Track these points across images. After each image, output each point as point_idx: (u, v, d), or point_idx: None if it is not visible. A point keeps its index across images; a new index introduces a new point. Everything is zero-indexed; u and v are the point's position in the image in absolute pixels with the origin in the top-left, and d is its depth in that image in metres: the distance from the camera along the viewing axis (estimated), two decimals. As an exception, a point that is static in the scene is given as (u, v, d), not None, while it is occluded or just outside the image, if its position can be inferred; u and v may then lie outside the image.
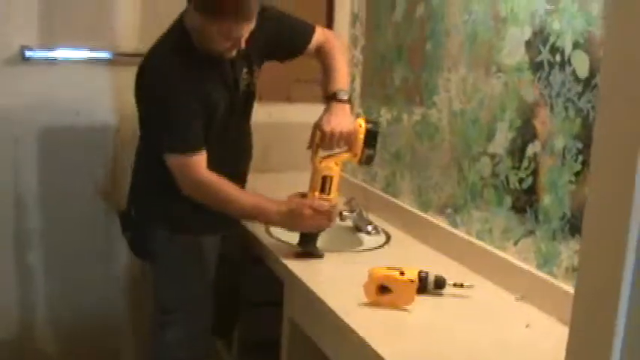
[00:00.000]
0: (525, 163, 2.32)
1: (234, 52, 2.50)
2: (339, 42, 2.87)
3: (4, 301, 3.31)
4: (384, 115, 3.22)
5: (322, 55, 2.77)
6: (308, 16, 3.42)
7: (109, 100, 3.27)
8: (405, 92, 3.07)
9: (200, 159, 2.52)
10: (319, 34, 2.80)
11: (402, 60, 3.08)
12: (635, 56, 0.94)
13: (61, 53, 3.15)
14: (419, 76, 2.95)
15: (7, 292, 3.31)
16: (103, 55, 3.22)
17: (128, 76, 3.16)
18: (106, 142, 3.31)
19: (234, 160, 2.74)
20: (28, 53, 3.07)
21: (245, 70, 2.68)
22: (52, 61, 3.14)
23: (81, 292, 3.41)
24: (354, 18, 3.52)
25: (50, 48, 3.13)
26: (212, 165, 2.54)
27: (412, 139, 3.00)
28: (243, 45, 2.46)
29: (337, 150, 2.60)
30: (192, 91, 2.48)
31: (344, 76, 2.72)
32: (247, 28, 2.43)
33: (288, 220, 2.57)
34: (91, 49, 3.20)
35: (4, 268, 3.28)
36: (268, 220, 2.66)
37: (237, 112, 2.70)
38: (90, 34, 3.19)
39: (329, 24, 3.54)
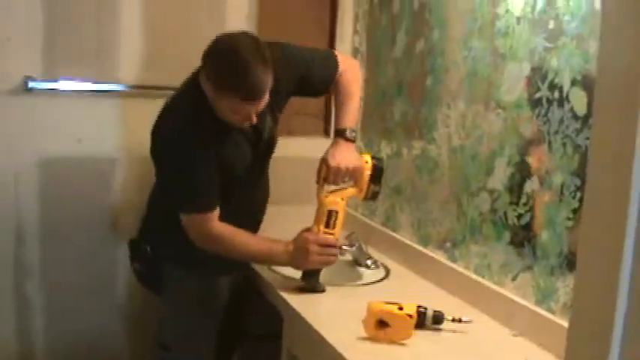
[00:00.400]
0: (524, 199, 2.33)
1: (246, 125, 2.47)
2: (356, 69, 2.83)
3: (3, 332, 3.31)
4: (384, 149, 3.24)
5: (339, 86, 2.73)
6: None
7: (111, 131, 3.29)
8: (405, 127, 3.09)
9: (213, 215, 2.52)
10: (341, 64, 2.78)
11: (402, 95, 3.10)
12: (624, 107, 0.96)
13: (63, 84, 3.17)
14: (419, 111, 2.97)
15: (6, 323, 3.30)
16: (106, 86, 3.24)
17: (130, 106, 3.21)
18: (108, 172, 3.32)
19: (251, 205, 2.74)
20: (31, 84, 3.09)
21: (269, 118, 2.65)
22: (55, 92, 3.16)
23: (80, 323, 3.40)
24: (355, 52, 3.55)
25: (53, 79, 3.15)
26: (228, 212, 2.54)
27: (412, 173, 3.02)
28: (255, 120, 2.44)
29: (343, 185, 2.62)
30: (207, 158, 2.46)
31: (354, 112, 2.71)
32: (260, 105, 2.38)
33: (296, 258, 2.57)
34: (94, 81, 3.22)
35: (4, 297, 3.28)
36: (278, 262, 2.67)
37: (258, 161, 2.70)
38: (93, 66, 3.22)
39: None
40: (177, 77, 3.16)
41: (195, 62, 3.19)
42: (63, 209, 3.27)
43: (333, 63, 2.75)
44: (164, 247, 2.70)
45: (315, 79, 2.70)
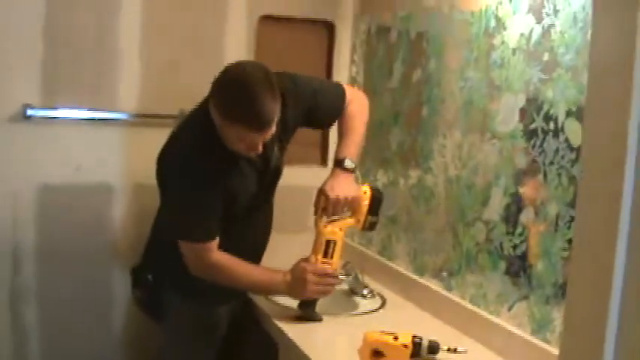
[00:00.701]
0: (519, 230, 2.34)
1: (253, 154, 2.46)
2: (363, 103, 2.81)
3: (0, 356, 3.29)
4: (381, 178, 3.25)
5: (342, 118, 2.73)
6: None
7: (109, 159, 3.29)
8: (402, 156, 3.11)
9: (211, 245, 2.51)
10: (348, 97, 2.77)
11: (398, 124, 3.12)
12: (612, 152, 0.97)
13: (62, 112, 3.17)
14: (415, 141, 2.99)
15: (3, 347, 3.29)
16: (104, 114, 3.25)
17: (129, 135, 3.22)
18: (106, 200, 3.33)
19: (252, 235, 2.74)
20: (29, 111, 3.10)
21: (276, 148, 2.65)
22: (54, 120, 3.17)
23: (77, 350, 3.38)
24: (353, 82, 3.57)
25: (52, 107, 3.16)
26: (229, 242, 2.54)
27: (408, 202, 3.03)
28: (261, 150, 2.44)
29: (341, 215, 2.62)
30: (212, 187, 2.45)
31: (355, 144, 2.69)
32: (267, 135, 2.38)
33: (294, 288, 2.57)
34: (93, 109, 3.23)
35: (0, 321, 3.27)
36: (276, 292, 2.67)
37: (263, 192, 2.70)
38: (92, 94, 3.23)
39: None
40: (176, 106, 3.20)
41: (195, 91, 3.21)
42: (60, 236, 3.27)
43: (341, 95, 2.75)
44: (165, 275, 2.70)
45: (322, 110, 2.70)
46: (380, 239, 3.25)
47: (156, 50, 3.27)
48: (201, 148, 2.45)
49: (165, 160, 2.54)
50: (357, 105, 2.77)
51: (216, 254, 2.51)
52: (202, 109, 2.50)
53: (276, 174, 2.73)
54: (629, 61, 0.97)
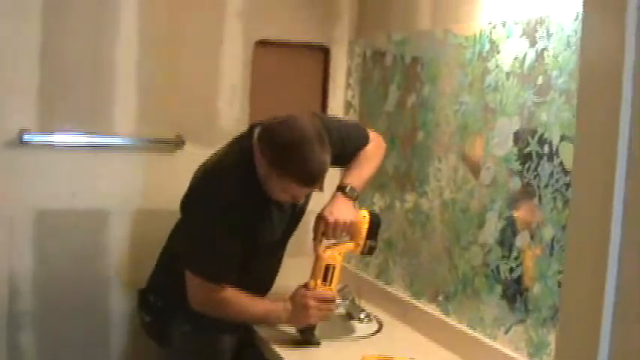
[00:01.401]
0: (515, 253, 2.35)
1: (289, 201, 2.50)
2: (381, 147, 2.81)
3: (-4, 385, 3.28)
4: (377, 202, 3.25)
5: (358, 154, 2.74)
6: (303, 102, 3.51)
7: (106, 184, 3.29)
8: (398, 180, 3.11)
9: (221, 287, 2.51)
10: (370, 139, 2.77)
11: (394, 148, 3.12)
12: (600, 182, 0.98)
13: (59, 138, 3.18)
14: (411, 165, 2.99)
15: (-2, 376, 3.28)
16: (101, 139, 3.25)
17: (125, 160, 3.22)
18: (102, 226, 3.32)
19: (267, 268, 2.75)
20: (26, 137, 3.10)
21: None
22: (50, 145, 3.17)
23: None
24: (348, 106, 3.58)
25: (48, 132, 3.16)
26: (244, 274, 2.53)
27: (404, 226, 3.03)
28: (301, 201, 2.47)
29: (340, 240, 2.62)
30: (241, 233, 2.45)
31: (360, 175, 2.68)
32: (311, 191, 2.43)
33: (296, 316, 2.56)
34: (89, 134, 3.23)
35: (-4, 350, 3.26)
36: (278, 322, 2.66)
37: (285, 234, 2.72)
38: (88, 119, 3.23)
39: (323, 111, 3.60)
40: (173, 130, 3.22)
41: (191, 116, 3.24)
42: (57, 262, 3.26)
43: (364, 141, 2.75)
44: (170, 299, 2.69)
45: (346, 156, 2.69)
46: (377, 263, 3.25)
47: (152, 75, 3.28)
48: (240, 193, 2.44)
49: (201, 193, 2.52)
50: (375, 147, 2.77)
51: (223, 292, 2.51)
52: (245, 148, 2.49)
53: (300, 217, 2.74)
54: (617, 85, 0.98)
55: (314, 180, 2.34)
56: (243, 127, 3.25)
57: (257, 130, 2.47)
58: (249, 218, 2.46)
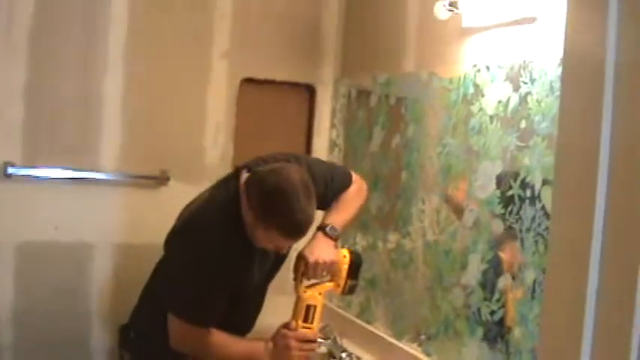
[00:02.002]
0: (497, 295, 2.36)
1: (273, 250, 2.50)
2: (363, 189, 2.78)
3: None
4: (360, 242, 3.26)
5: (340, 195, 2.73)
6: (287, 141, 3.53)
7: (89, 218, 3.28)
8: (381, 220, 3.13)
9: (205, 331, 2.49)
10: (353, 181, 2.76)
11: (378, 188, 3.14)
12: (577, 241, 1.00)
13: (43, 171, 3.17)
14: (394, 205, 3.01)
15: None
16: (85, 174, 3.25)
17: (109, 195, 3.22)
18: (84, 260, 3.31)
19: (249, 309, 2.74)
20: (10, 170, 3.09)
21: None
22: (34, 179, 3.17)
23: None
24: (333, 145, 3.60)
25: (33, 165, 3.16)
26: (226, 315, 2.52)
27: (387, 266, 3.04)
28: (285, 251, 2.48)
29: (321, 280, 2.62)
30: (222, 278, 2.44)
31: (341, 216, 2.67)
32: (296, 242, 2.43)
33: (277, 356, 2.54)
34: (73, 169, 3.23)
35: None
36: None
37: (270, 277, 2.72)
38: (72, 153, 3.23)
39: (308, 150, 3.61)
40: (157, 167, 3.22)
41: (175, 152, 3.25)
42: (39, 296, 3.24)
43: (347, 183, 2.75)
44: (153, 338, 2.67)
45: (328, 197, 2.69)
46: (359, 302, 3.25)
47: (138, 111, 3.29)
48: (225, 239, 2.42)
49: (187, 236, 2.51)
50: (357, 189, 2.76)
51: (205, 333, 2.50)
52: (231, 192, 2.48)
53: (283, 261, 2.74)
54: (595, 138, 1.00)
55: (300, 232, 2.35)
56: (227, 165, 3.28)
57: (243, 175, 2.48)
58: (232, 264, 2.45)
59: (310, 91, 3.66)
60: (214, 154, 3.41)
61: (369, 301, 3.18)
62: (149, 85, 3.31)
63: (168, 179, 3.30)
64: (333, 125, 3.63)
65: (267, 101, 3.58)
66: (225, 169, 3.18)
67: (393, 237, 3.01)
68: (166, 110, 3.35)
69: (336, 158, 3.54)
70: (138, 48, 3.27)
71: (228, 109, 3.45)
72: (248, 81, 3.48)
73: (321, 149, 3.63)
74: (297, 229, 2.34)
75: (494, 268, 2.37)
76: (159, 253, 2.68)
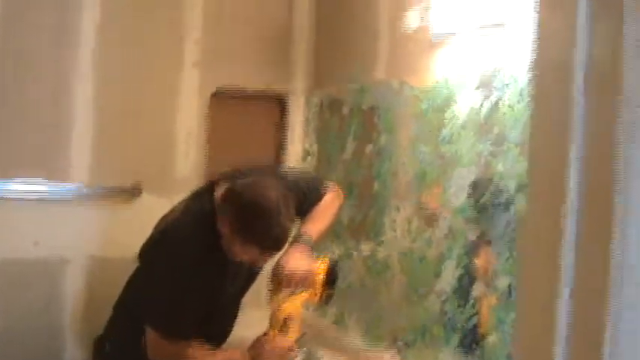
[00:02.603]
0: (471, 302, 2.36)
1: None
2: (338, 197, 2.80)
3: None
4: (334, 251, 3.26)
5: (315, 205, 2.74)
6: (260, 151, 3.52)
7: (62, 233, 3.23)
8: (355, 229, 3.12)
9: (181, 343, 2.48)
10: (329, 190, 2.77)
11: (352, 197, 3.14)
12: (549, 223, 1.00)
13: (16, 187, 3.14)
14: (367, 214, 3.01)
15: None
16: (58, 188, 3.21)
17: (81, 209, 3.19)
18: (58, 275, 3.27)
19: (222, 324, 2.72)
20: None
21: None
22: (8, 195, 3.13)
23: None
24: (306, 154, 3.60)
25: (5, 181, 3.12)
26: (202, 325, 2.51)
27: (362, 274, 3.04)
28: (262, 265, 2.48)
29: (297, 289, 2.61)
30: (198, 291, 2.42)
31: (315, 225, 2.67)
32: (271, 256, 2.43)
33: None
34: (46, 183, 3.19)
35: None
36: None
37: (243, 288, 2.71)
38: (44, 167, 3.19)
39: (279, 161, 3.61)
40: (128, 179, 3.21)
41: (147, 165, 3.23)
42: (11, 312, 3.20)
43: (323, 192, 2.74)
44: (127, 350, 2.65)
45: (304, 206, 2.68)
46: (334, 311, 3.25)
47: (109, 124, 3.27)
48: (200, 252, 2.41)
49: (162, 249, 2.49)
50: (331, 199, 2.75)
51: (182, 345, 2.48)
52: (206, 205, 2.47)
53: (258, 273, 2.73)
54: (565, 145, 1.01)
55: (277, 247, 2.35)
56: (199, 177, 3.26)
57: (219, 189, 2.47)
58: (206, 277, 2.44)
59: (282, 101, 3.66)
60: (186, 166, 3.40)
61: (344, 310, 3.17)
62: (120, 96, 3.29)
63: (140, 192, 3.28)
64: (306, 134, 3.63)
65: (238, 112, 3.57)
66: (198, 181, 3.18)
67: (367, 245, 3.01)
68: (138, 122, 3.33)
69: (310, 167, 3.54)
70: (109, 60, 3.25)
71: (199, 121, 3.44)
72: (219, 93, 3.47)
73: (293, 158, 3.63)
74: (274, 244, 2.34)
75: (469, 275, 2.37)
76: (132, 265, 2.66)
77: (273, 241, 2.32)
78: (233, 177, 2.48)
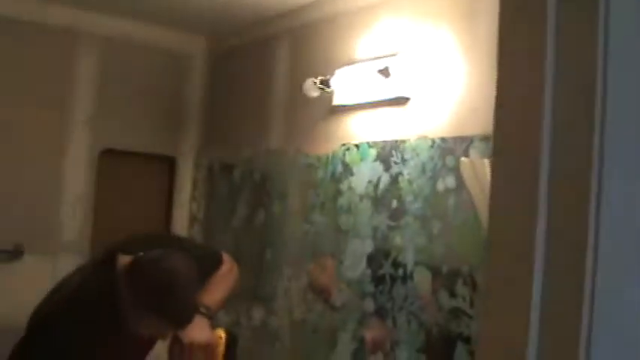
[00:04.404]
0: (368, 375, 2.35)
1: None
2: (234, 269, 2.77)
3: None
4: (222, 318, 3.19)
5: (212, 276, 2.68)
6: (148, 214, 3.45)
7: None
8: (244, 296, 3.07)
9: None
10: (224, 261, 2.73)
11: (241, 264, 3.08)
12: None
13: None
14: (258, 283, 2.96)
15: None
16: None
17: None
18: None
19: None
20: None
21: None
22: None
23: None
24: (193, 219, 3.54)
25: None
26: None
27: (251, 343, 2.98)
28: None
29: None
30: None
31: (214, 295, 2.63)
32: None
33: None
34: None
35: None
36: None
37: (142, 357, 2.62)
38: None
39: (168, 223, 3.54)
40: (10, 240, 3.07)
41: (30, 227, 3.11)
42: None
43: (219, 262, 2.70)
44: None
45: (200, 275, 2.62)
46: (219, 382, 3.17)
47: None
48: (101, 331, 2.29)
49: (59, 329, 2.36)
50: (228, 269, 2.71)
51: None
52: (106, 280, 2.36)
53: (155, 341, 2.65)
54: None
55: (187, 322, 2.29)
56: (85, 239, 3.16)
57: (121, 263, 2.38)
58: (106, 351, 2.35)
59: (171, 162, 3.60)
60: (72, 227, 3.27)
61: (230, 380, 3.10)
62: (2, 153, 3.15)
63: (22, 253, 3.13)
64: (193, 198, 3.57)
65: (127, 172, 3.49)
66: (84, 243, 3.07)
67: (257, 314, 2.96)
68: (22, 180, 3.20)
69: (197, 233, 3.47)
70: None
71: (87, 181, 3.33)
72: (108, 152, 3.39)
73: (181, 223, 3.57)
74: (187, 320, 2.27)
75: (366, 347, 2.36)
76: (12, 332, 2.52)
77: (187, 317, 2.25)
78: (132, 246, 2.40)
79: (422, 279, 2.17)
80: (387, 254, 2.32)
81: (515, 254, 1.03)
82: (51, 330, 2.36)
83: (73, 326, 2.32)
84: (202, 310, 2.49)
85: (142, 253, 2.30)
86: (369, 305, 2.36)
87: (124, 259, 2.35)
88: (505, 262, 1.05)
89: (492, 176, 1.09)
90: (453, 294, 2.08)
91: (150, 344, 2.60)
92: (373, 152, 2.44)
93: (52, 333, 2.36)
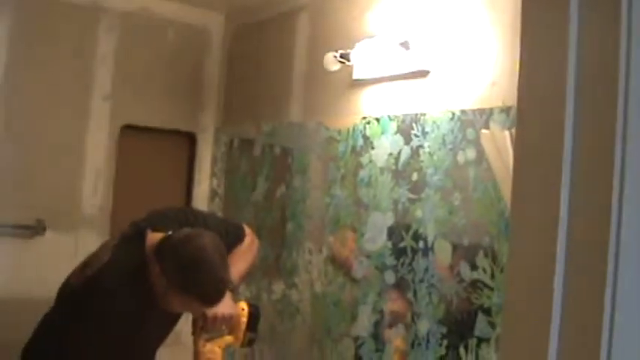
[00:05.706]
0: (388, 346, 2.36)
1: None
2: (255, 242, 2.79)
3: None
4: (243, 293, 3.21)
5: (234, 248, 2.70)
6: (168, 190, 3.46)
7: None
8: (265, 270, 3.09)
9: None
10: (246, 234, 2.74)
11: (261, 239, 3.10)
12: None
13: None
14: (279, 256, 2.98)
15: None
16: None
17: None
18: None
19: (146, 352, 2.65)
20: None
21: None
22: None
23: None
24: (214, 195, 3.55)
25: None
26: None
27: (272, 317, 3.00)
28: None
29: (219, 333, 2.57)
30: (117, 341, 2.30)
31: (238, 269, 2.62)
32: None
33: None
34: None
35: None
36: None
37: (167, 331, 2.64)
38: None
39: (188, 199, 3.55)
40: (32, 215, 3.09)
41: (53, 200, 3.12)
42: None
43: (241, 236, 2.71)
44: None
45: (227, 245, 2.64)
46: (243, 354, 3.19)
47: (12, 158, 3.15)
48: (130, 304, 2.33)
49: (90, 300, 2.38)
50: (249, 242, 2.73)
51: None
52: (135, 255, 2.38)
53: (180, 315, 2.67)
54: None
55: (218, 299, 2.31)
56: (106, 215, 3.18)
57: (149, 236, 2.39)
58: (132, 326, 2.37)
59: (191, 138, 3.61)
60: (93, 203, 3.29)
61: (253, 353, 3.12)
62: (25, 130, 3.17)
63: (44, 229, 3.16)
64: (213, 174, 3.59)
65: (147, 148, 3.50)
66: (105, 219, 3.10)
67: (278, 287, 2.98)
68: (43, 157, 3.22)
69: (217, 207, 3.49)
70: (15, 91, 3.14)
71: (108, 156, 3.34)
72: (128, 128, 3.40)
73: (201, 198, 3.58)
74: (216, 297, 2.30)
75: (386, 319, 2.37)
76: (37, 307, 2.55)
77: (216, 294, 2.28)
78: (159, 222, 2.42)
79: (442, 251, 2.18)
80: (407, 227, 2.32)
81: (538, 226, 1.03)
82: (84, 303, 2.39)
83: (107, 300, 2.35)
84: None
85: (170, 232, 2.33)
86: (390, 278, 2.37)
87: (153, 236, 2.38)
88: (528, 233, 1.05)
89: (515, 147, 1.09)
90: (473, 266, 2.09)
91: (177, 318, 2.63)
92: (394, 125, 2.44)
93: (84, 306, 2.39)
